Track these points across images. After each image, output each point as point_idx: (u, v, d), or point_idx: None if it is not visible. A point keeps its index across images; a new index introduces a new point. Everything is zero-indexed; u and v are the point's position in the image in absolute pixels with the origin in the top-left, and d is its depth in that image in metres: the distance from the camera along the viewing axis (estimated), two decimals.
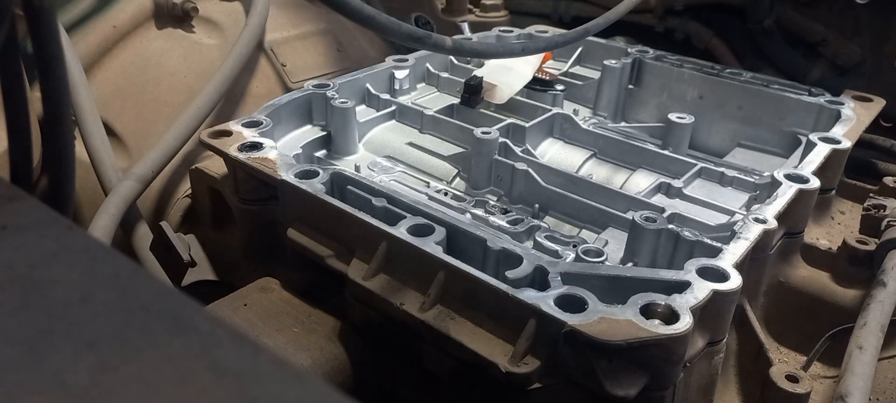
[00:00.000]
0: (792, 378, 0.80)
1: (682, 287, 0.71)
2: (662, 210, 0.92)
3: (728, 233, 0.84)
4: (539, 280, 0.74)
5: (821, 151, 1.04)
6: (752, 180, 1.04)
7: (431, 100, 1.33)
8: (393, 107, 1.24)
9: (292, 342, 0.83)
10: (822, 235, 1.07)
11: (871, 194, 1.07)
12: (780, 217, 0.87)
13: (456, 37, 1.26)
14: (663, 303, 0.68)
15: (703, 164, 1.08)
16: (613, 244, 0.93)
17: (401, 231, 0.79)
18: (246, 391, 0.29)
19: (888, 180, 1.08)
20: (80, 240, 0.39)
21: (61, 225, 0.40)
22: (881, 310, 0.82)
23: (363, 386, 0.83)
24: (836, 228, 1.10)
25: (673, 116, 1.23)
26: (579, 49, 1.48)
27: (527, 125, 1.15)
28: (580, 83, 1.40)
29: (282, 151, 0.98)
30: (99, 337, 0.32)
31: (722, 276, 0.73)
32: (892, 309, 0.84)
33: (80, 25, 1.32)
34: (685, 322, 0.66)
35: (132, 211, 1.11)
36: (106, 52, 1.33)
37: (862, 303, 0.85)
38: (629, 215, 0.93)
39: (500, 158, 1.05)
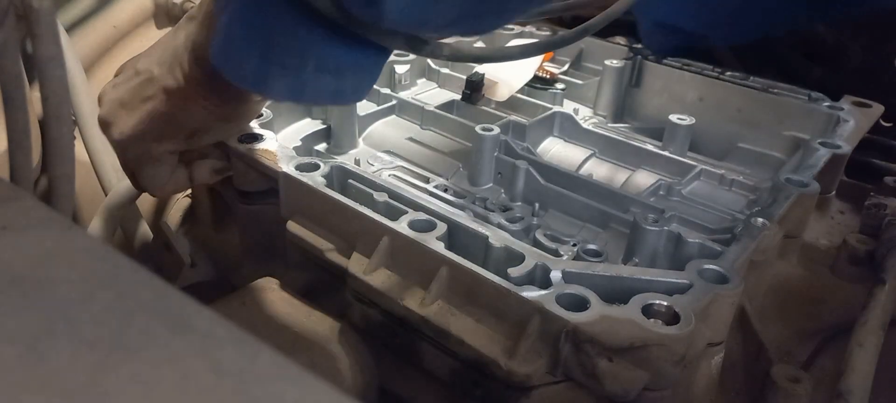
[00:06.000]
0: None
1: (683, 288, 0.71)
2: (663, 210, 0.92)
3: (728, 236, 0.84)
4: (540, 278, 0.74)
5: (821, 155, 1.04)
6: (753, 183, 1.04)
7: (432, 96, 1.33)
8: (393, 102, 1.24)
9: (292, 342, 0.83)
10: (822, 235, 1.07)
11: (871, 193, 1.07)
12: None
13: (454, 39, 1.26)
14: (665, 304, 0.68)
15: (704, 166, 1.08)
16: (614, 244, 0.93)
17: (402, 226, 0.79)
18: (246, 391, 0.29)
19: (888, 180, 1.08)
20: (80, 240, 0.39)
21: (61, 225, 0.40)
22: (882, 309, 0.82)
23: (363, 386, 0.83)
24: (836, 228, 1.10)
25: (673, 117, 1.23)
26: (580, 48, 1.48)
27: (527, 123, 1.14)
28: (580, 82, 1.40)
29: (282, 143, 0.97)
30: (99, 337, 0.32)
31: (723, 278, 0.73)
32: (893, 308, 0.84)
33: (80, 25, 1.32)
34: (687, 323, 0.66)
35: (132, 212, 1.11)
36: (106, 52, 1.33)
37: (863, 302, 0.85)
38: (630, 215, 0.93)
39: (500, 155, 1.05)
